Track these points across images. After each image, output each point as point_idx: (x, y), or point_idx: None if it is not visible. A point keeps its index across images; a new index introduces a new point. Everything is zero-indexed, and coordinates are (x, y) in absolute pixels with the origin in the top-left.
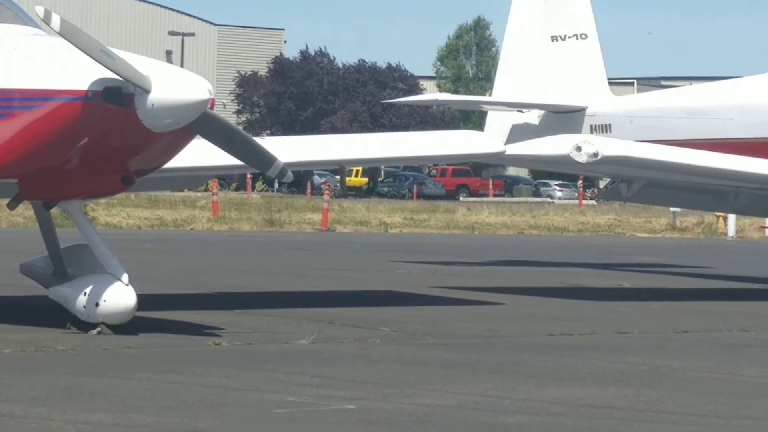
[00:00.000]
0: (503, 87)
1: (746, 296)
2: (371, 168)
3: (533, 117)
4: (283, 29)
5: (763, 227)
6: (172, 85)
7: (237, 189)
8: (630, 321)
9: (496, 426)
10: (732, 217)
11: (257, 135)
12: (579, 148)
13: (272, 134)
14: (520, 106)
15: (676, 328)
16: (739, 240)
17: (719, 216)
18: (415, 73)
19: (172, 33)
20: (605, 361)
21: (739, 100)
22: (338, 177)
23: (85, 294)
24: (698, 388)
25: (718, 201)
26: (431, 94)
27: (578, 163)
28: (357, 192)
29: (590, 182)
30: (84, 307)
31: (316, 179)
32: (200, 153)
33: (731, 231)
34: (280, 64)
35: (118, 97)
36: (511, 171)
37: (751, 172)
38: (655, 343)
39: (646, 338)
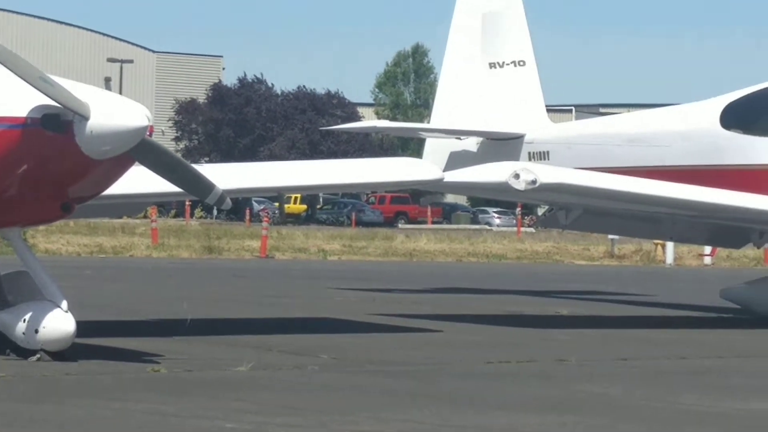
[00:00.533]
0: (441, 114)
1: (684, 324)
2: (310, 195)
3: (472, 144)
4: (222, 56)
5: (701, 255)
6: (110, 112)
7: (176, 216)
8: (568, 349)
9: None
10: (670, 245)
11: (196, 162)
12: (517, 176)
13: (211, 161)
14: (458, 133)
15: (614, 356)
16: (677, 267)
17: (657, 243)
18: (354, 100)
19: (110, 60)
20: (544, 389)
21: (677, 128)
22: (277, 204)
23: (24, 321)
24: (636, 416)
25: (656, 228)
26: (370, 121)
27: (516, 190)
28: (296, 219)
29: (529, 209)
30: (23, 333)
31: (255, 206)
32: (139, 180)
33: (669, 259)
34: (218, 91)
35: (57, 125)
36: (450, 198)
37: (689, 199)
38: (594, 370)
39: (584, 366)
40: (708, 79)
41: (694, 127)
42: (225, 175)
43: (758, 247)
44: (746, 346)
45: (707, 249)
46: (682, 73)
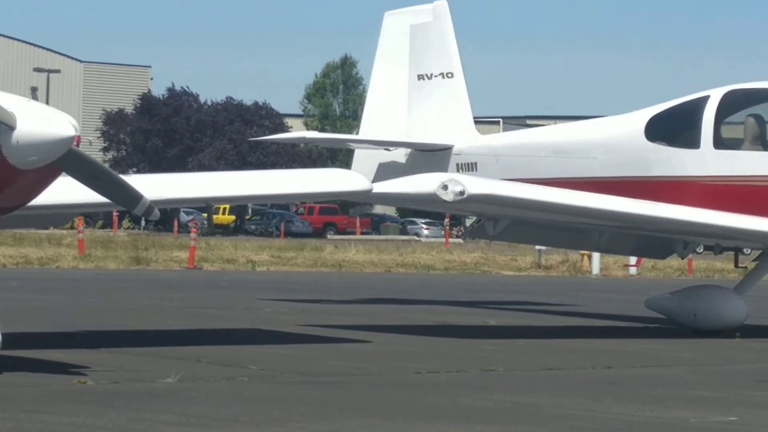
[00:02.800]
0: (370, 125)
1: (610, 334)
2: (238, 206)
3: (400, 155)
4: (150, 66)
5: (627, 265)
6: (37, 122)
7: (103, 227)
8: (496, 358)
9: None
10: (596, 256)
11: (124, 172)
12: (445, 187)
13: (139, 172)
14: (386, 144)
15: (541, 366)
16: (604, 278)
17: (584, 254)
18: (282, 111)
19: (37, 69)
20: (471, 399)
21: (603, 140)
22: (205, 215)
23: None
24: (563, 426)
25: (583, 239)
26: (298, 131)
27: (444, 201)
28: (224, 230)
29: (457, 220)
30: None
31: (183, 217)
32: (66, 190)
33: (596, 269)
34: (146, 102)
35: None
36: (379, 209)
37: (614, 210)
38: (521, 380)
39: (511, 376)
40: (633, 92)
41: (619, 139)
42: (153, 186)
43: (683, 258)
44: (671, 356)
45: (633, 259)
46: (607, 86)
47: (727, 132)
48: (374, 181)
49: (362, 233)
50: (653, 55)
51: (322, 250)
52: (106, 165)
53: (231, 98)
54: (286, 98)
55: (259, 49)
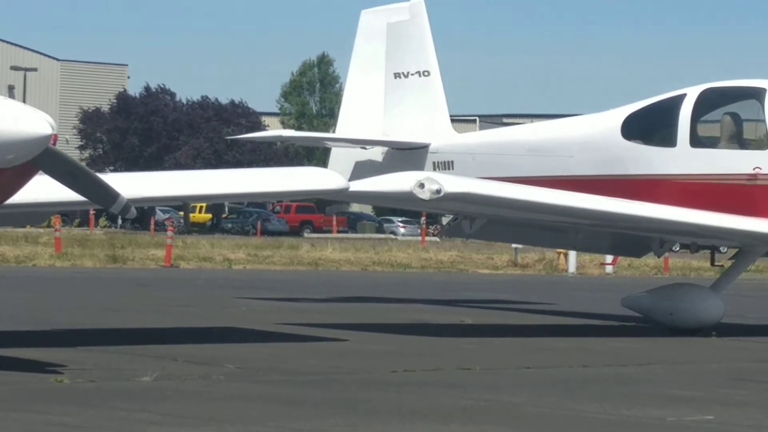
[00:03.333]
0: (347, 123)
1: (587, 332)
2: (215, 204)
3: (377, 154)
4: (127, 65)
5: (603, 264)
6: (13, 120)
7: (80, 225)
8: (473, 357)
9: None
10: (572, 254)
11: (100, 171)
12: (422, 185)
13: (115, 170)
14: (362, 143)
15: (518, 365)
16: (580, 276)
17: (560, 253)
18: (259, 110)
19: (14, 68)
20: (448, 397)
21: (579, 138)
22: (182, 213)
23: None
24: (540, 424)
25: (559, 237)
26: (275, 130)
27: (421, 199)
28: (201, 228)
29: (433, 219)
30: None
31: (160, 215)
32: (42, 189)
33: (572, 267)
34: (123, 100)
35: None
36: (355, 207)
37: (591, 208)
38: (498, 379)
39: (488, 374)
40: (609, 91)
41: (596, 137)
42: (130, 184)
43: (659, 256)
44: (647, 355)
45: (609, 258)
46: (583, 85)
47: (703, 130)
48: (351, 179)
49: (339, 231)
50: (629, 53)
51: (299, 248)
52: (83, 163)
53: (207, 97)
54: (263, 97)
55: (236, 47)
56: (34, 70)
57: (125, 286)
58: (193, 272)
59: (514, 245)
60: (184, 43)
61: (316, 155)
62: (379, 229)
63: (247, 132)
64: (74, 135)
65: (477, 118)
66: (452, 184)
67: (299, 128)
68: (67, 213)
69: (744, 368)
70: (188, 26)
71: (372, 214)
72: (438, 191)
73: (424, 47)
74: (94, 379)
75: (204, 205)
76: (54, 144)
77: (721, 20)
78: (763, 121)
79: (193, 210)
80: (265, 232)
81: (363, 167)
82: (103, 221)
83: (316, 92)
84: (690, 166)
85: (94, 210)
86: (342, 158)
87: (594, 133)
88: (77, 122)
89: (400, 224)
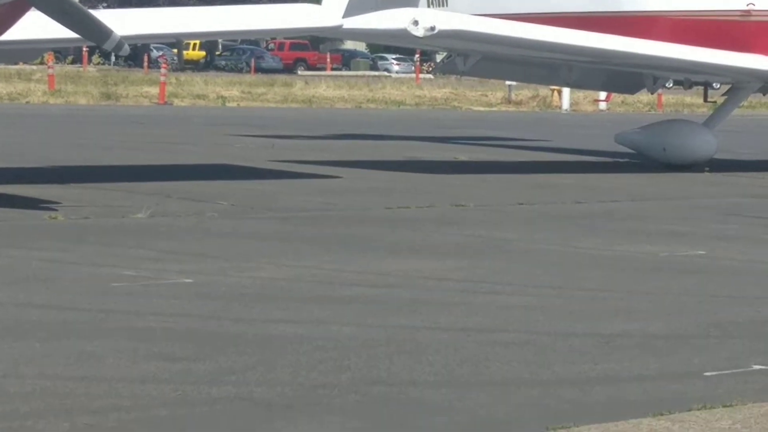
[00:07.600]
0: None
1: (580, 169)
2: (209, 41)
3: None
4: None
5: (597, 100)
6: None
7: (73, 62)
8: (466, 194)
9: (333, 298)
10: (566, 91)
11: (93, 7)
12: (416, 22)
13: (108, 7)
14: None
15: (511, 201)
16: (573, 113)
17: (554, 89)
18: None
19: None
20: (442, 234)
21: None
22: (176, 51)
23: None
24: (533, 260)
25: (553, 74)
26: None
27: (415, 36)
28: (194, 65)
29: (427, 56)
30: None
31: (153, 53)
32: (35, 25)
33: (565, 104)
34: None
35: None
36: (349, 45)
37: (585, 45)
38: (491, 215)
39: (482, 211)
40: None
41: None
42: (123, 21)
43: (652, 93)
44: (640, 190)
45: (602, 95)
46: None
47: None
48: (345, 16)
49: (332, 69)
50: None
51: (293, 85)
52: (76, 0)
53: None
54: None
55: None
56: None
57: (119, 123)
58: (186, 110)
59: (507, 82)
60: None
61: None
62: (373, 67)
63: None
64: None
65: None
66: (446, 21)
67: None
68: (60, 50)
69: (735, 203)
70: None
71: (366, 51)
72: (432, 28)
73: None
74: (88, 216)
75: (197, 42)
76: None
77: None
78: None
79: (187, 47)
80: (259, 70)
81: (357, 4)
82: (96, 58)
83: None
84: (684, 2)
85: (87, 47)
86: None
87: None
88: None
89: (394, 61)
